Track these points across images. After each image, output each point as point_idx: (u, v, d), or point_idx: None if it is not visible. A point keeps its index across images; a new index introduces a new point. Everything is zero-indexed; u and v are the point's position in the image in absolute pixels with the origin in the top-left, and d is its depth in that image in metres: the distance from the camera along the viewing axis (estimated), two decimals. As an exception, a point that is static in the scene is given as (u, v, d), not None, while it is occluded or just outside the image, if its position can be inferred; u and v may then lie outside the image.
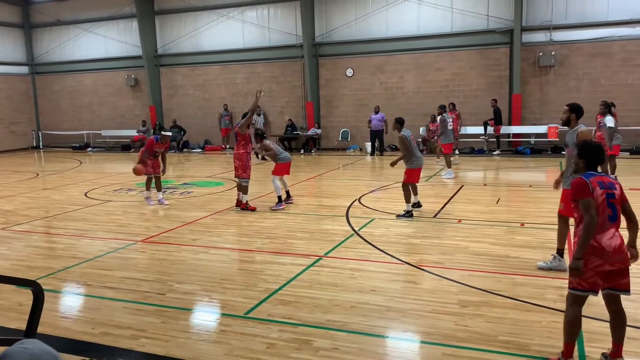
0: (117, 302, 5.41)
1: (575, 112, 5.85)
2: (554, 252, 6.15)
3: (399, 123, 9.28)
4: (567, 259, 5.94)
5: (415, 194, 9.35)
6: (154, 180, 10.66)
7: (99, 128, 25.05)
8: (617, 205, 3.79)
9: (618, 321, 3.88)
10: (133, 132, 23.71)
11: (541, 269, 6.02)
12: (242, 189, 9.78)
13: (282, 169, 9.96)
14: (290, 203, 10.09)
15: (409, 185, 9.04)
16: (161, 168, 10.65)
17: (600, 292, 3.82)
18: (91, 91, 25.43)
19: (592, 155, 3.93)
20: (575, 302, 3.84)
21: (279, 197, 9.81)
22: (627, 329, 4.43)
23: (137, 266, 6.65)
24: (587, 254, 3.69)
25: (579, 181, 3.83)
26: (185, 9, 22.77)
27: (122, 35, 24.31)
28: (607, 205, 3.75)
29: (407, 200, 8.94)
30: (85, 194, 12.01)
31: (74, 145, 25.02)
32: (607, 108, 11.41)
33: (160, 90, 24.08)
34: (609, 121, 11.13)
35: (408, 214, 8.84)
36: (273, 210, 9.62)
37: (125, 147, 24.00)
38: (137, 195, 11.74)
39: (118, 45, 24.43)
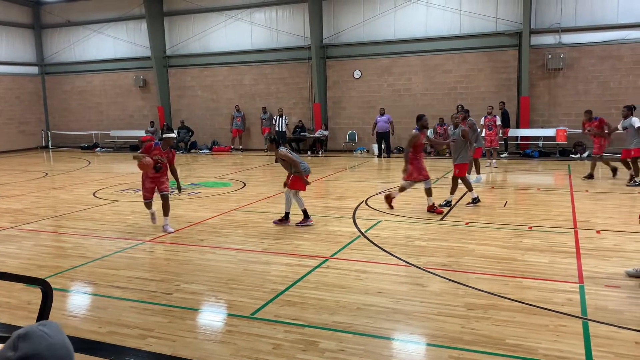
0: (124, 302, 5.44)
1: None
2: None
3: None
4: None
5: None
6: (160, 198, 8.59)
7: (108, 128, 25.20)
8: None
9: None
10: (141, 133, 23.79)
11: (630, 275, 5.74)
12: (426, 191, 9.31)
13: (301, 182, 8.42)
14: (309, 224, 8.57)
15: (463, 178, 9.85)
16: (166, 185, 8.58)
17: None
18: (100, 92, 25.59)
19: None
20: None
21: (287, 214, 8.60)
22: (635, 333, 4.41)
23: (144, 266, 6.68)
24: None
25: None
26: (193, 10, 22.87)
27: (131, 36, 24.45)
28: None
29: (470, 189, 9.89)
30: (94, 194, 12.08)
31: (82, 145, 25.18)
32: (630, 110, 11.76)
33: (169, 91, 24.19)
34: (636, 122, 11.50)
35: (476, 201, 9.77)
36: (274, 223, 8.50)
37: (133, 147, 24.07)
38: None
39: (127, 46, 24.57)
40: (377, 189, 12.09)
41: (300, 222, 8.56)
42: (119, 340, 4.54)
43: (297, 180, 8.39)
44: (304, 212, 8.57)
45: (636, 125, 11.44)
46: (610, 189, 11.46)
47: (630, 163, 11.76)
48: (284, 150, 8.40)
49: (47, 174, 16.31)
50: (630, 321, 4.66)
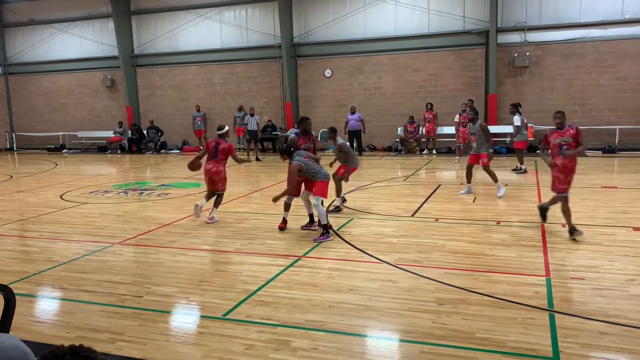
0: (93, 306, 5.35)
1: None
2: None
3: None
4: None
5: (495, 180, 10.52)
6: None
7: (75, 129, 24.70)
8: None
9: None
10: (109, 133, 23.45)
11: None
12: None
13: (324, 189, 7.73)
14: (314, 229, 8.08)
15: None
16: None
17: None
18: (66, 92, 25.06)
19: None
20: None
21: (325, 226, 7.59)
22: (599, 324, 4.54)
23: (113, 269, 6.57)
24: None
25: None
26: (162, 8, 22.58)
27: (98, 35, 24.01)
28: None
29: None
30: (61, 196, 11.83)
31: (49, 146, 24.63)
32: (515, 108, 13.54)
33: (137, 90, 23.84)
34: (516, 120, 13.36)
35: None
36: (316, 241, 7.45)
37: (101, 148, 23.71)
38: (114, 197, 11.60)
39: (94, 46, 24.12)
40: (350, 187, 12.13)
41: (306, 226, 8.18)
42: (88, 345, 4.45)
43: (320, 187, 7.68)
44: (325, 225, 7.65)
45: (515, 124, 13.35)
46: (575, 184, 11.73)
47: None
48: (295, 161, 7.67)
49: (12, 176, 15.89)
50: (595, 312, 4.79)
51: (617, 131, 17.38)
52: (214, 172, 8.88)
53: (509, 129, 18.37)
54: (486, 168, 10.53)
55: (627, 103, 17.49)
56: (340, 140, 9.28)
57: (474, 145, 10.86)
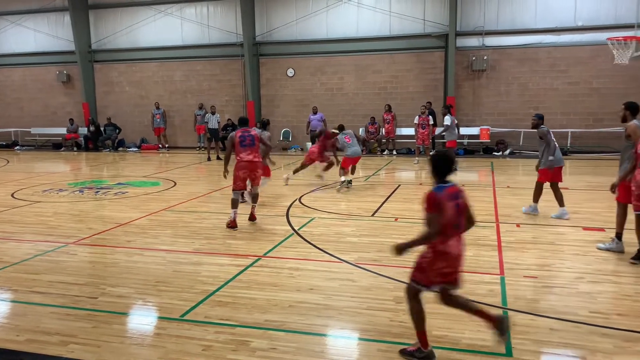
0: (45, 307, 5.19)
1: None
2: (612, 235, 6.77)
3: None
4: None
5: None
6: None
7: (28, 125, 23.89)
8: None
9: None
10: (64, 130, 22.78)
11: (600, 249, 6.74)
12: None
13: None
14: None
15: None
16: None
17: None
18: (20, 87, 24.20)
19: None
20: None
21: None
22: (550, 320, 4.69)
23: (67, 269, 6.39)
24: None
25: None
26: (121, 3, 22.10)
27: (53, 29, 23.28)
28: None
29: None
30: (12, 195, 11.42)
31: (0, 143, 23.73)
32: (447, 110, 14.53)
33: (94, 86, 23.23)
34: (446, 120, 14.18)
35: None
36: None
37: (56, 145, 23.01)
38: (69, 196, 11.28)
39: (49, 39, 23.38)
40: (311, 187, 12.17)
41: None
42: (38, 348, 4.32)
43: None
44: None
45: (445, 123, 14.23)
46: (527, 185, 12.07)
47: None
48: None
49: (-41, 174, 15.24)
50: (546, 309, 4.95)
51: (569, 134, 17.99)
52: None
53: (465, 130, 18.83)
54: (548, 185, 8.75)
55: (578, 107, 18.13)
56: (344, 132, 11.84)
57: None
